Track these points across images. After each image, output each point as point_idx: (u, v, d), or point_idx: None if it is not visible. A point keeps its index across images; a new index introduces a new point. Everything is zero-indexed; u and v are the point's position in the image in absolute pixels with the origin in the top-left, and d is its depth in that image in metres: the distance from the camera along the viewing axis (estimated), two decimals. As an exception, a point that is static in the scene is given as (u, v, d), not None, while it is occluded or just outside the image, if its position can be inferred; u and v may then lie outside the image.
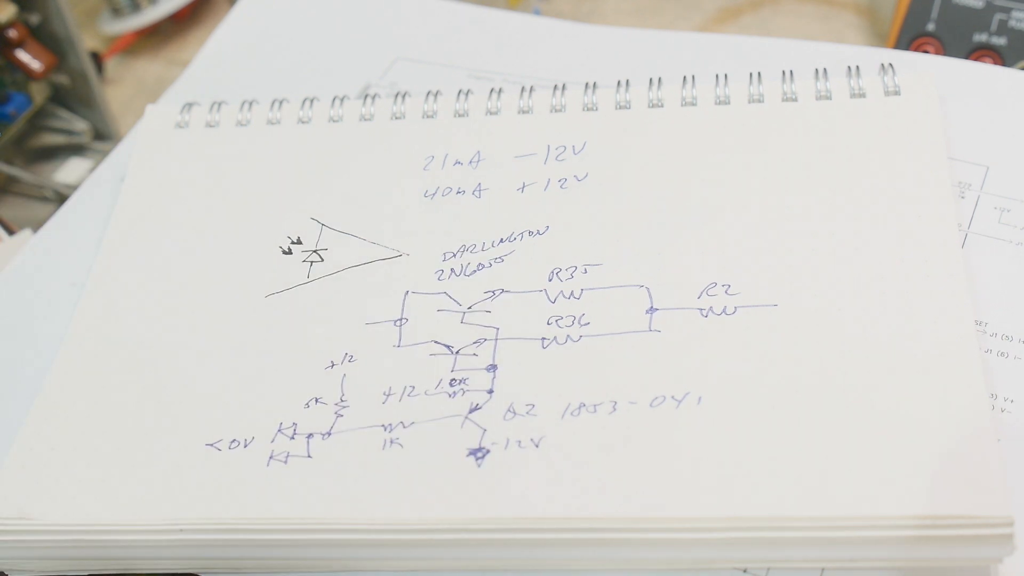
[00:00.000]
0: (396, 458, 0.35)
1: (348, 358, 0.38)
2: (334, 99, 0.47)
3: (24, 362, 0.42)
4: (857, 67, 0.42)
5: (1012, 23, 0.50)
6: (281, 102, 0.47)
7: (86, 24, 0.67)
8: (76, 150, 0.60)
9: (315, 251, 0.42)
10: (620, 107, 0.44)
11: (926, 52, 0.50)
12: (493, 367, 0.37)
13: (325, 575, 0.35)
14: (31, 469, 0.37)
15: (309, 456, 0.36)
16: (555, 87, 0.45)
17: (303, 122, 0.46)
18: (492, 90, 0.45)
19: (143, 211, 0.45)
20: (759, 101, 0.43)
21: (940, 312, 0.35)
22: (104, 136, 0.60)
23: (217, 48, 0.54)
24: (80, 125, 0.59)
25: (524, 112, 0.44)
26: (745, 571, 0.33)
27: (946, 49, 0.51)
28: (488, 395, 0.36)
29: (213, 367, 0.39)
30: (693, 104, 0.43)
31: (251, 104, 0.47)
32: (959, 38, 0.51)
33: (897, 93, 0.41)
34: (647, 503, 0.32)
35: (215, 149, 0.46)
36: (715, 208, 0.40)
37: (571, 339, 0.37)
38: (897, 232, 0.37)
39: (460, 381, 0.36)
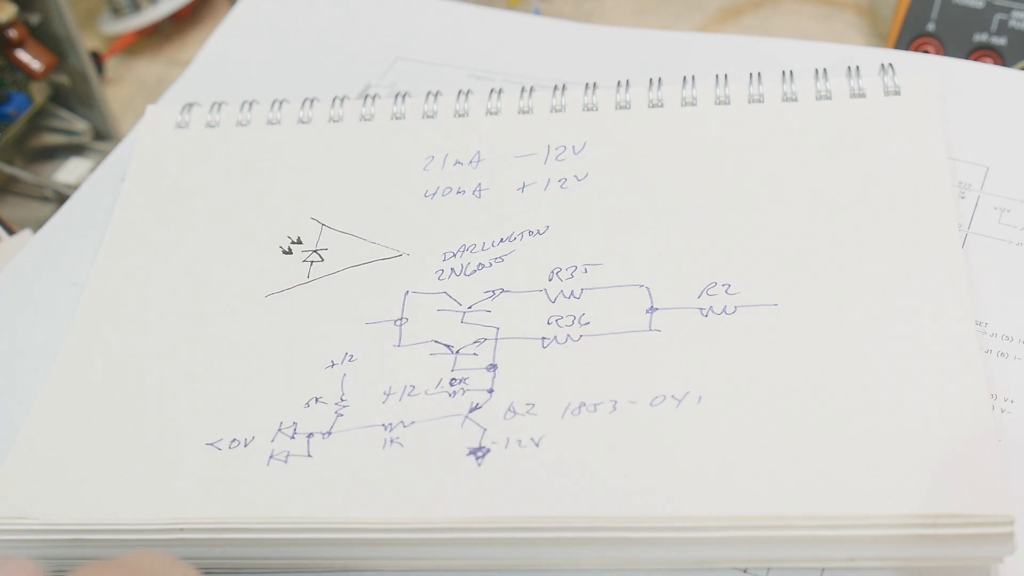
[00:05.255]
0: (396, 457, 0.35)
1: (348, 358, 0.38)
2: (334, 99, 0.47)
3: (24, 362, 0.42)
4: (857, 67, 0.42)
5: (1012, 23, 0.50)
6: (281, 102, 0.47)
7: (86, 24, 0.67)
8: (76, 150, 0.60)
9: (315, 251, 0.42)
10: (620, 107, 0.44)
11: (926, 52, 0.50)
12: (493, 367, 0.37)
13: (325, 575, 0.35)
14: (31, 469, 0.37)
15: (309, 455, 0.35)
16: (555, 87, 0.45)
17: (303, 122, 0.46)
18: (492, 90, 0.45)
19: (143, 211, 0.45)
20: (759, 101, 0.43)
21: (940, 312, 0.35)
22: (104, 136, 0.60)
23: (217, 48, 0.54)
24: (80, 125, 0.59)
25: (524, 112, 0.44)
26: (745, 571, 0.33)
27: (946, 49, 0.51)
28: (488, 394, 0.36)
29: (213, 367, 0.39)
30: (693, 104, 0.43)
31: (251, 104, 0.47)
32: (959, 38, 0.51)
33: (897, 93, 0.41)
34: (647, 503, 0.32)
35: (215, 149, 0.46)
36: (715, 208, 0.40)
37: (571, 339, 0.37)
38: (897, 232, 0.37)
39: (460, 381, 0.36)
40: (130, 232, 0.44)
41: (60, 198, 0.57)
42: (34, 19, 0.56)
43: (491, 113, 0.45)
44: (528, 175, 0.42)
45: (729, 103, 0.43)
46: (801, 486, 0.32)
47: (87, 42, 0.62)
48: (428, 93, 0.46)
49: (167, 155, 0.46)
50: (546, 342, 0.37)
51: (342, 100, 0.47)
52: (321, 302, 0.40)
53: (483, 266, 0.40)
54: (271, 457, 0.36)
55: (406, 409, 0.36)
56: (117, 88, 0.64)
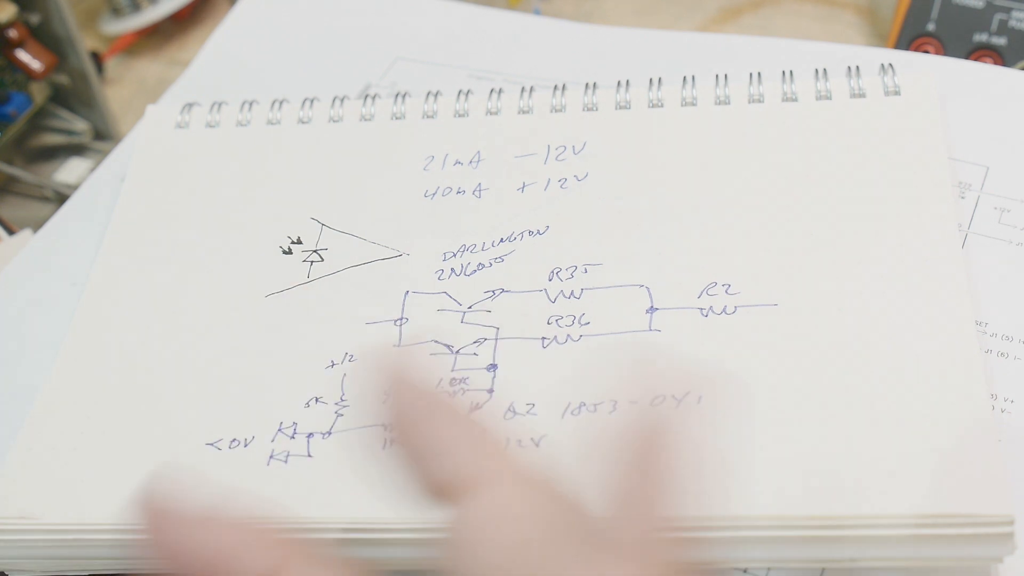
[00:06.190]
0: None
1: (348, 358, 0.38)
2: (334, 99, 0.47)
3: (24, 362, 0.42)
4: (857, 67, 0.42)
5: (1012, 23, 0.50)
6: (281, 102, 0.47)
7: (86, 24, 0.67)
8: (76, 150, 0.59)
9: (315, 251, 0.42)
10: (620, 107, 0.44)
11: (926, 52, 0.50)
12: (493, 367, 0.37)
13: (325, 575, 0.35)
14: (31, 469, 0.37)
15: (309, 455, 0.36)
16: (555, 87, 0.45)
17: (303, 122, 0.46)
18: (492, 90, 0.45)
19: (143, 211, 0.45)
20: (759, 101, 0.43)
21: (940, 312, 0.35)
22: (104, 136, 0.60)
23: (217, 48, 0.54)
24: (80, 125, 0.59)
25: (524, 112, 0.44)
26: (745, 571, 0.33)
27: (946, 49, 0.51)
28: (488, 395, 0.36)
29: (213, 367, 0.39)
30: (693, 104, 0.43)
31: (251, 104, 0.47)
32: (959, 38, 0.51)
33: (897, 93, 0.41)
34: (647, 503, 0.32)
35: (215, 149, 0.46)
36: (715, 208, 0.40)
37: (571, 339, 0.37)
38: (897, 232, 0.37)
39: (460, 381, 0.36)
40: (130, 232, 0.44)
41: (60, 198, 0.57)
42: (34, 19, 0.56)
43: (491, 113, 0.45)
44: (528, 175, 0.42)
45: (729, 103, 0.43)
46: (801, 486, 0.32)
47: (87, 42, 0.62)
48: (428, 93, 0.46)
49: (167, 155, 0.46)
50: (546, 342, 0.37)
51: (342, 100, 0.47)
52: (321, 302, 0.40)
53: (483, 266, 0.40)
54: (271, 457, 0.36)
55: (406, 409, 0.36)
56: (117, 88, 0.64)
